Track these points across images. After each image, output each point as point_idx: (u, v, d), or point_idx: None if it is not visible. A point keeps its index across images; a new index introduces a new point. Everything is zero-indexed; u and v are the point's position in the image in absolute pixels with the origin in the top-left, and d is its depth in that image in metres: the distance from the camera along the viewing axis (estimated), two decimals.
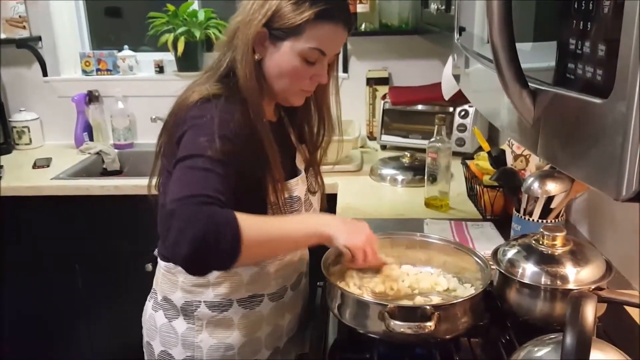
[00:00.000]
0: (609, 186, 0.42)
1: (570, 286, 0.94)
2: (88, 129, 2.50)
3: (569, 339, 0.67)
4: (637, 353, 0.79)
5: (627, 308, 1.09)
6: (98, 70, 2.54)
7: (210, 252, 0.84)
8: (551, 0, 0.54)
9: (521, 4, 0.59)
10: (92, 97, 2.49)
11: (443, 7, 1.57)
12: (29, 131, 2.49)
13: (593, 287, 0.93)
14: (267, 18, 1.01)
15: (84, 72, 2.54)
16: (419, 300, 1.01)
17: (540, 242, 1.00)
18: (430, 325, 0.89)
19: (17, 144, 2.50)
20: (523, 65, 0.54)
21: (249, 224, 0.87)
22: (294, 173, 1.16)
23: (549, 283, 0.96)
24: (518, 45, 0.53)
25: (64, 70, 2.54)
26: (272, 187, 1.05)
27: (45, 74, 2.51)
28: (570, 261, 0.97)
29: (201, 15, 2.42)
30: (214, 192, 0.88)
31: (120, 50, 2.56)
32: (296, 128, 1.22)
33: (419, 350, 0.98)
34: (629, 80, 0.38)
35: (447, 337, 0.94)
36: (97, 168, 2.35)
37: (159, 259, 1.20)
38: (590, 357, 0.69)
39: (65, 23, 2.55)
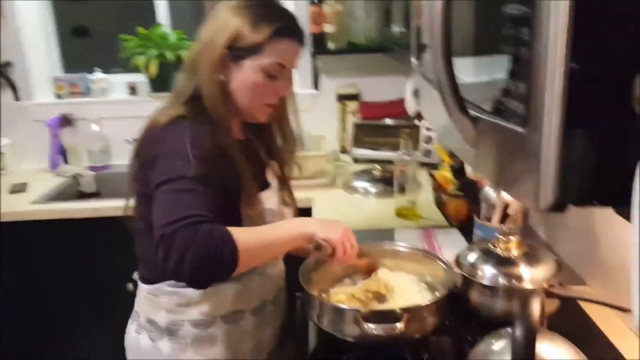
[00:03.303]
0: (530, 199, 0.51)
1: (525, 285, 1.04)
2: (62, 152, 2.52)
3: (518, 330, 0.76)
4: (589, 345, 0.88)
5: (582, 305, 1.20)
6: (71, 93, 2.57)
7: (213, 268, 0.93)
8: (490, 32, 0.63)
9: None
10: (65, 121, 2.52)
11: (404, 29, 1.68)
12: (2, 157, 2.50)
13: (546, 284, 1.04)
14: (229, 40, 1.09)
15: (57, 95, 2.57)
16: (389, 305, 1.10)
17: (497, 246, 1.10)
18: (400, 326, 0.97)
19: None
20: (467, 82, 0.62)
21: (242, 236, 0.95)
22: (266, 186, 1.23)
23: (506, 283, 1.05)
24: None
25: (36, 94, 2.56)
26: (246, 201, 1.12)
27: (17, 98, 2.52)
28: (524, 262, 1.06)
29: (173, 38, 2.49)
30: (203, 211, 0.95)
31: (91, 72, 2.59)
32: (264, 145, 1.29)
33: (392, 350, 1.06)
34: (541, 113, 0.47)
35: (416, 336, 1.03)
36: (73, 191, 2.38)
37: (139, 282, 1.23)
38: (540, 347, 0.79)
39: (36, 46, 2.56)
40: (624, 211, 0.46)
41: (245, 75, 1.12)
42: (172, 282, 1.15)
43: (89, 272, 2.14)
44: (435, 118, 0.93)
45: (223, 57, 1.10)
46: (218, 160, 1.05)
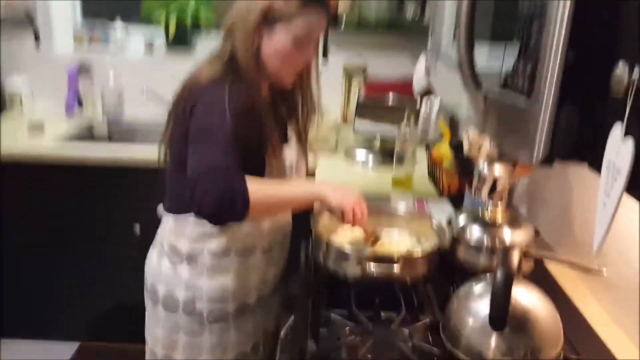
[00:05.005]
0: (527, 155, 0.66)
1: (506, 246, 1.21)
2: (78, 99, 2.63)
3: (499, 272, 0.92)
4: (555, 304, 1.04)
5: (552, 272, 1.37)
6: (90, 42, 2.67)
7: (226, 211, 1.10)
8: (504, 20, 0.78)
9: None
10: (83, 69, 2.62)
11: (418, 14, 1.82)
12: (21, 97, 2.60)
13: (524, 246, 1.20)
14: (263, 10, 1.22)
15: (77, 44, 2.66)
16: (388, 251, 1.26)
17: (485, 213, 1.27)
18: (396, 269, 1.14)
19: (9, 109, 2.60)
20: (480, 65, 0.77)
21: (256, 189, 1.11)
22: (286, 141, 1.38)
23: (489, 244, 1.22)
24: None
25: (57, 41, 2.65)
26: (272, 150, 1.27)
27: (38, 45, 2.61)
28: (506, 227, 1.23)
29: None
30: (230, 162, 1.11)
31: (112, 20, 2.67)
32: (285, 105, 1.42)
33: (387, 291, 1.23)
34: (542, 89, 0.62)
35: (408, 279, 1.19)
36: (87, 136, 2.50)
37: (164, 214, 1.37)
38: (516, 290, 0.95)
39: None
40: (597, 167, 0.61)
41: (277, 42, 1.24)
42: None
43: (98, 214, 2.29)
44: (447, 92, 1.08)
45: (257, 25, 1.23)
46: (249, 115, 1.20)
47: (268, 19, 1.23)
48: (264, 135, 1.26)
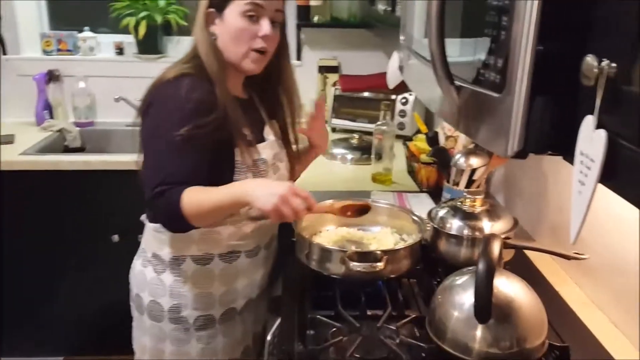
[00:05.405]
0: (501, 148, 0.66)
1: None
2: (48, 108, 2.58)
3: (480, 265, 0.93)
4: (536, 290, 1.05)
5: (531, 258, 1.39)
6: (59, 50, 2.62)
7: (172, 227, 1.20)
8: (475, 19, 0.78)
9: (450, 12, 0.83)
10: (52, 76, 2.57)
11: (389, 8, 1.82)
12: None
13: (503, 236, 1.22)
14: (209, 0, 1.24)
15: (45, 52, 2.61)
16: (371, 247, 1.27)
17: (464, 204, 1.28)
18: (380, 265, 1.14)
19: None
20: (451, 60, 0.78)
21: (190, 200, 1.12)
22: (262, 140, 1.36)
23: (470, 234, 1.23)
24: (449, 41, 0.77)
25: (24, 49, 2.60)
26: (240, 149, 1.25)
27: (4, 52, 2.56)
28: (487, 217, 1.25)
29: (162, 1, 2.56)
30: (174, 178, 1.14)
31: (80, 31, 2.64)
32: (265, 105, 1.41)
33: (371, 287, 1.23)
34: (514, 83, 0.63)
35: (392, 275, 1.20)
36: (59, 145, 2.46)
37: (146, 222, 1.36)
38: (497, 281, 0.96)
39: (25, 2, 2.60)
40: (570, 158, 0.63)
41: (228, 24, 1.24)
42: None
43: (75, 223, 2.25)
44: (420, 88, 1.08)
45: (208, 16, 1.24)
46: (210, 110, 1.19)
47: (216, 6, 1.24)
48: (230, 132, 1.24)
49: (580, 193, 0.58)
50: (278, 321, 1.20)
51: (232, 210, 1.22)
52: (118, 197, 2.15)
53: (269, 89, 1.39)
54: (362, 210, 1.30)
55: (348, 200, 1.32)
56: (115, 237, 2.23)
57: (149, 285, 1.33)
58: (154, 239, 1.33)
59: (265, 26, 1.24)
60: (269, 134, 1.38)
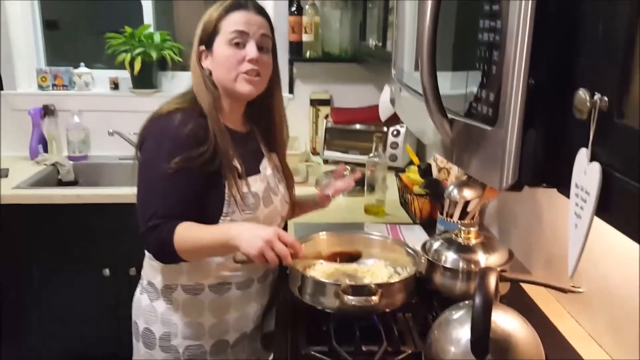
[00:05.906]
0: (495, 181, 0.67)
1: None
2: (43, 142, 2.58)
3: (477, 300, 0.91)
4: (532, 323, 1.04)
5: (527, 291, 1.38)
6: (54, 85, 2.63)
7: (163, 260, 1.23)
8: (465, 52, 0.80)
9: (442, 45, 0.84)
10: (47, 111, 2.58)
11: (380, 43, 1.85)
12: None
13: (499, 269, 1.21)
14: (200, 36, 1.29)
15: (40, 87, 2.62)
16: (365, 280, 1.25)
17: (459, 236, 1.27)
18: (375, 299, 1.13)
19: None
20: (443, 93, 0.78)
21: (182, 237, 1.15)
22: (255, 173, 1.35)
23: (465, 267, 1.22)
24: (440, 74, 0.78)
25: (20, 84, 2.61)
26: (228, 182, 1.25)
27: (1, 87, 2.57)
28: (482, 250, 1.24)
29: (157, 38, 2.59)
30: (166, 211, 1.17)
31: (76, 67, 2.66)
32: (263, 137, 1.42)
33: (365, 322, 1.21)
34: (506, 116, 0.63)
35: (387, 310, 1.18)
36: (53, 179, 2.44)
37: (146, 251, 1.35)
38: (495, 316, 0.94)
39: (21, 38, 2.63)
40: (565, 191, 0.63)
41: (217, 56, 1.27)
42: None
43: (67, 257, 2.21)
44: (412, 120, 1.09)
45: (200, 54, 1.29)
46: (202, 142, 1.20)
47: (205, 42, 1.28)
48: (221, 167, 1.24)
49: (577, 226, 0.57)
50: (271, 357, 1.17)
51: (222, 253, 1.25)
52: (110, 230, 2.13)
53: (265, 117, 1.40)
54: (353, 257, 1.30)
55: (337, 247, 1.35)
56: (106, 272, 2.20)
57: (143, 313, 1.35)
58: (149, 266, 1.35)
59: (251, 50, 1.26)
60: (265, 167, 1.38)
